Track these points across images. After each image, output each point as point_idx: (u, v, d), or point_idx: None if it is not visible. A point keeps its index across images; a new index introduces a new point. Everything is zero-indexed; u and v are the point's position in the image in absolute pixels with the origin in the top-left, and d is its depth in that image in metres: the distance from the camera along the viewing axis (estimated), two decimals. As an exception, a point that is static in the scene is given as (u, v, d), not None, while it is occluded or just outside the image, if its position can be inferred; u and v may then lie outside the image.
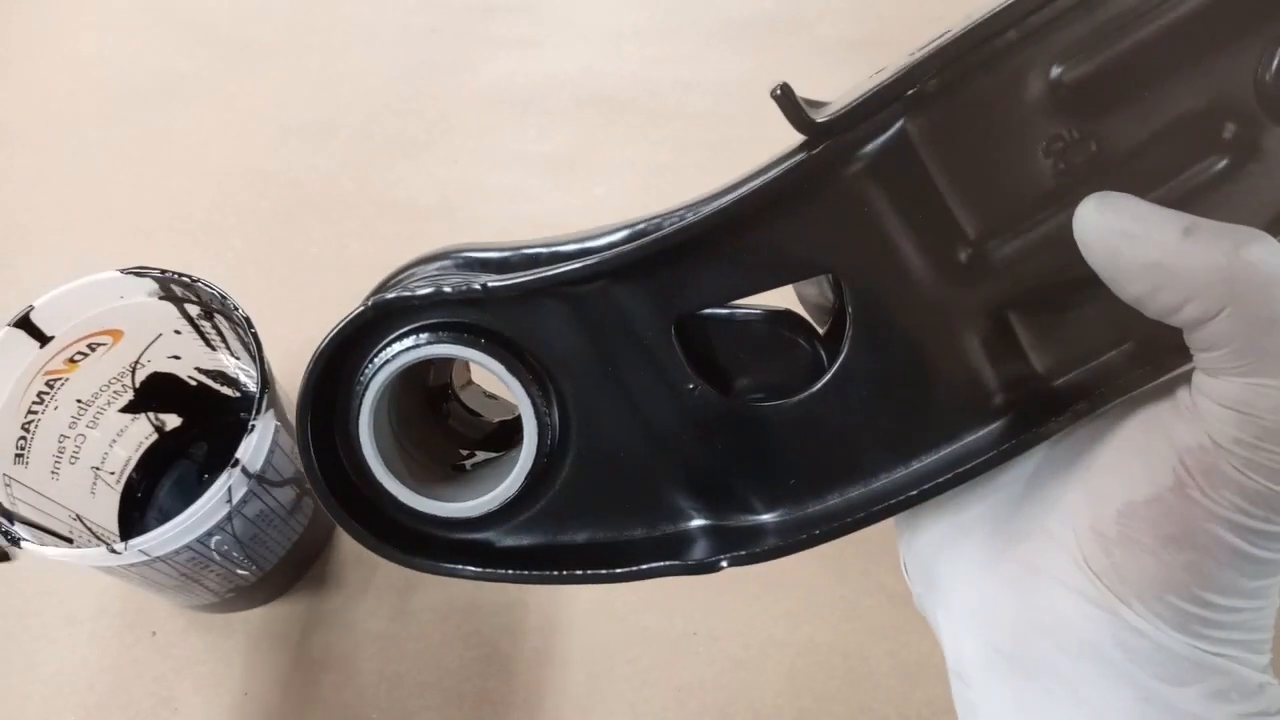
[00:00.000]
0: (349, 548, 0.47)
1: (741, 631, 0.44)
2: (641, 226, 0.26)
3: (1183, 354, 0.23)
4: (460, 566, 0.28)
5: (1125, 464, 0.24)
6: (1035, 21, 0.23)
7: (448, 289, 0.26)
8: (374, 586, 0.46)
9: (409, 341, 0.26)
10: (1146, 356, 0.25)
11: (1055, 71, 0.24)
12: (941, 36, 0.24)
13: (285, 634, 0.45)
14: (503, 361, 0.26)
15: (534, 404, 0.26)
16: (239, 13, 0.64)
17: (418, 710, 0.43)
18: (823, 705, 0.42)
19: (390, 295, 0.26)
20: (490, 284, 0.25)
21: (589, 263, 0.25)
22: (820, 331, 0.28)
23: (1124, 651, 0.23)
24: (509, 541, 0.28)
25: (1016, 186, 0.25)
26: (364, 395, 0.26)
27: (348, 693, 0.44)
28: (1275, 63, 0.23)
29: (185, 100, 0.61)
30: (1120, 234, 0.22)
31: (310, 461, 0.26)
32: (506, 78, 0.60)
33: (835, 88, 0.26)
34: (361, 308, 0.26)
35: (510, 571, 0.28)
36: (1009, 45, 0.23)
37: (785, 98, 0.23)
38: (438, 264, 0.28)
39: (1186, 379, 0.23)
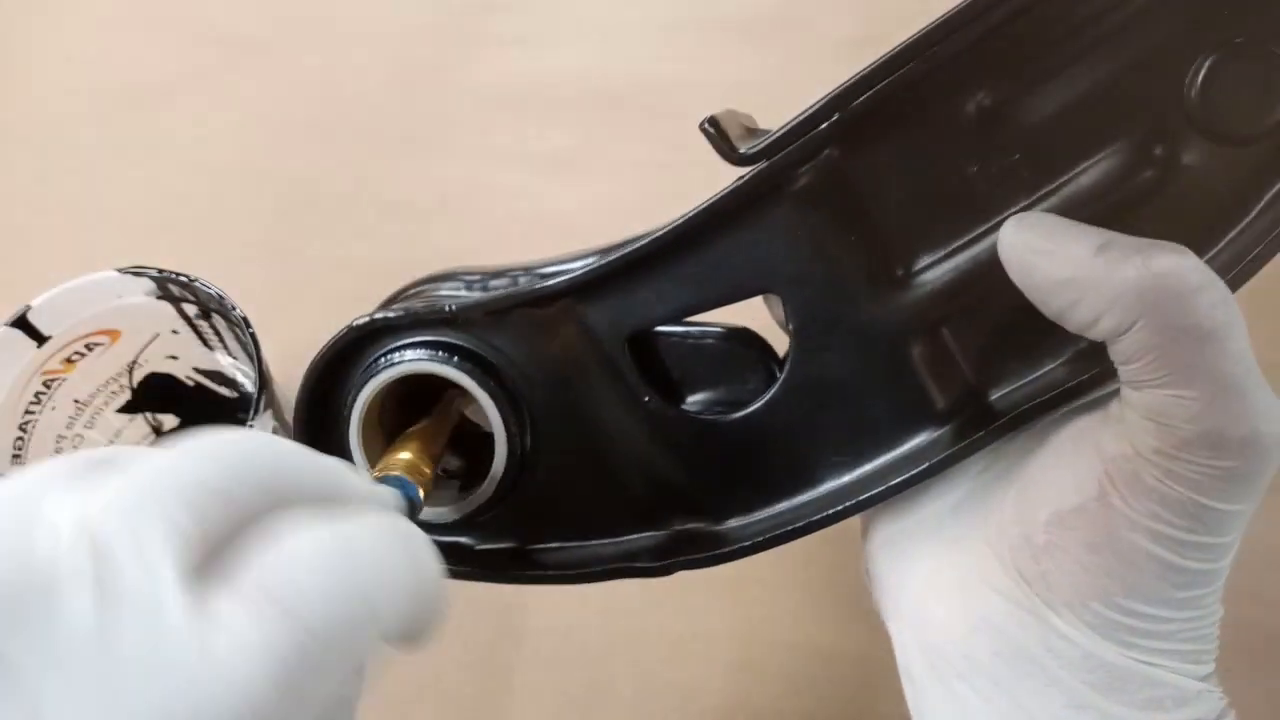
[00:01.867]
0: (348, 549, 0.47)
1: (743, 633, 0.44)
2: (613, 252, 0.28)
3: (1113, 369, 0.23)
4: (460, 568, 0.29)
5: (1055, 474, 0.24)
6: (953, 47, 0.23)
7: (420, 309, 0.28)
8: (373, 588, 0.46)
9: (392, 358, 0.28)
10: (1079, 372, 0.25)
11: (980, 95, 0.24)
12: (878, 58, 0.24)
13: (284, 635, 0.45)
14: (474, 378, 0.28)
15: (504, 417, 0.28)
16: (237, 11, 0.64)
17: (416, 712, 0.43)
18: (825, 707, 0.42)
19: (366, 319, 0.28)
20: (456, 306, 0.28)
21: (546, 285, 0.27)
22: (779, 353, 0.29)
23: (1055, 658, 0.23)
24: (482, 544, 0.30)
25: (947, 208, 0.25)
26: (352, 408, 0.28)
27: (347, 694, 0.44)
28: (1201, 78, 0.23)
29: (183, 99, 0.61)
30: (1036, 251, 0.23)
31: None
32: (506, 76, 0.60)
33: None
34: (344, 330, 0.28)
35: (481, 570, 0.30)
36: (929, 70, 0.24)
37: (712, 129, 0.25)
38: (448, 284, 0.31)
39: (1120, 393, 0.23)
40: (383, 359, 0.28)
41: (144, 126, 0.60)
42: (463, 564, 0.30)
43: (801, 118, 0.24)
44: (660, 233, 0.26)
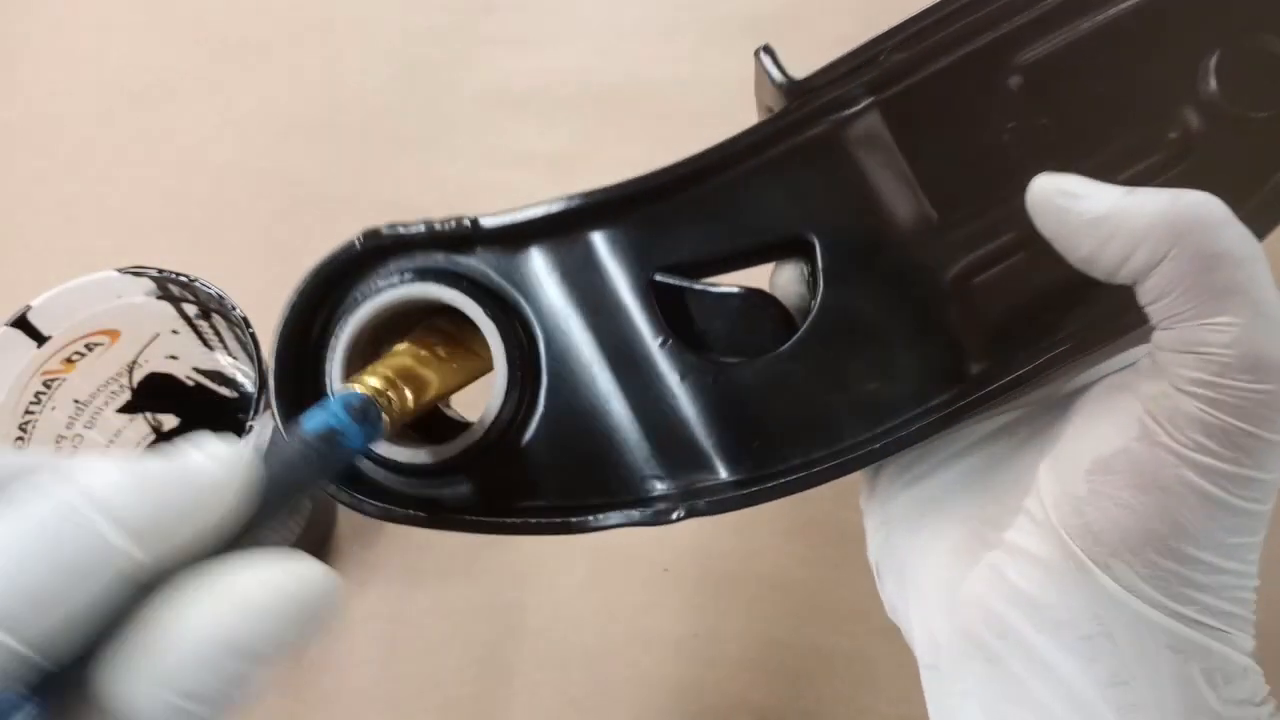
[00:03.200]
0: (347, 551, 0.47)
1: (742, 633, 0.44)
2: None
3: (1134, 325, 0.24)
4: (414, 513, 0.27)
5: (1092, 425, 0.24)
6: (990, 9, 0.26)
7: (438, 225, 0.26)
8: (372, 588, 0.46)
9: (394, 279, 0.26)
10: (1095, 329, 0.26)
11: (1019, 56, 0.26)
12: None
13: (284, 635, 0.45)
14: (482, 305, 0.26)
15: (507, 351, 0.26)
16: (236, 11, 0.64)
17: (416, 712, 0.43)
18: (825, 707, 0.42)
19: (384, 229, 0.26)
20: (480, 220, 0.26)
21: (571, 203, 0.26)
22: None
23: (1102, 627, 0.22)
24: (468, 494, 0.28)
25: (983, 163, 0.26)
26: (342, 330, 0.26)
27: (346, 695, 0.44)
28: (1215, 63, 0.25)
29: (183, 99, 0.61)
30: (1067, 194, 0.23)
31: (281, 381, 0.26)
32: (506, 76, 0.60)
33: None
34: (353, 239, 0.26)
35: (466, 520, 0.27)
36: (967, 26, 0.26)
37: (768, 56, 0.26)
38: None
39: (1150, 341, 0.23)
40: (383, 280, 0.26)
41: (144, 126, 0.60)
42: (445, 514, 0.27)
43: (847, 54, 0.26)
44: (691, 156, 0.26)
